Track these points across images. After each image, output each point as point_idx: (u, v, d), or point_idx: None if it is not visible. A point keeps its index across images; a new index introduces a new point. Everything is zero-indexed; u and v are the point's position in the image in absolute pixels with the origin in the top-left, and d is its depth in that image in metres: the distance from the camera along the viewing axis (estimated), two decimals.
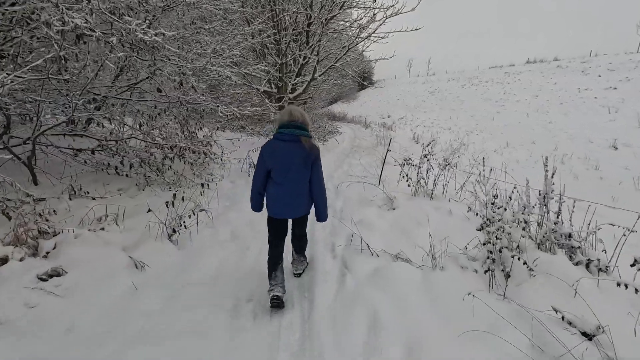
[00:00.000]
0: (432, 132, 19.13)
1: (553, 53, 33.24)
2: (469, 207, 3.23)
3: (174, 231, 2.94)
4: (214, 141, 5.10)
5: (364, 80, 47.46)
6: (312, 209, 2.53)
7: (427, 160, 4.09)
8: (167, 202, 2.95)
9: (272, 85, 9.46)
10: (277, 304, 2.19)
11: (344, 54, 8.10)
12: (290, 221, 2.53)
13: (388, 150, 4.75)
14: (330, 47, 9.14)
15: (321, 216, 2.48)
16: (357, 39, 8.05)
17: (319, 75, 8.51)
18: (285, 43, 8.37)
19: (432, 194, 4.06)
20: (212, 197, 4.34)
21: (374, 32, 7.72)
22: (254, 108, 5.07)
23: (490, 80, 33.76)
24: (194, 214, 3.01)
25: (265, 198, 2.40)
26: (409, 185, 4.19)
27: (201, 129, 5.22)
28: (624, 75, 23.40)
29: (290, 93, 9.54)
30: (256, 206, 2.44)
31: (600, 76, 24.87)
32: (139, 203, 3.87)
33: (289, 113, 2.27)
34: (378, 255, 2.70)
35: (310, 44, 8.87)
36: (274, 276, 2.30)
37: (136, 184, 4.38)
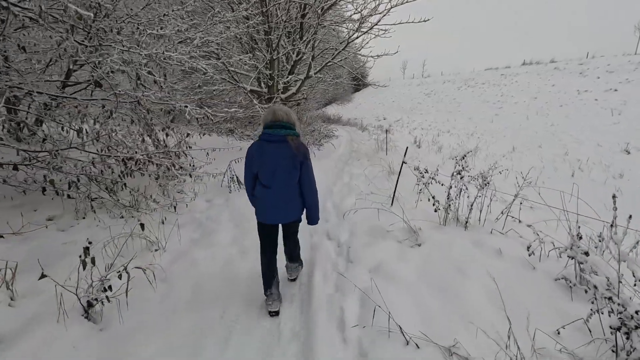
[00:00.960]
0: (432, 135, 18.29)
1: (549, 54, 32.82)
2: (530, 251, 2.26)
3: (90, 304, 1.86)
4: (184, 151, 4.04)
5: (359, 81, 46.75)
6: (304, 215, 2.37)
7: (461, 177, 3.11)
8: (80, 255, 1.85)
9: (262, 84, 8.44)
10: (274, 315, 2.20)
11: (342, 49, 7.12)
12: (280, 227, 2.41)
13: (404, 162, 3.76)
14: (327, 42, 8.16)
15: (313, 219, 2.35)
16: (357, 32, 7.09)
17: (315, 73, 7.53)
18: (277, 36, 7.36)
19: (466, 222, 3.09)
20: (180, 223, 3.29)
21: (377, 23, 6.76)
22: (234, 109, 4.03)
23: (486, 82, 33.25)
24: (126, 272, 1.91)
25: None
26: (435, 211, 3.20)
27: (168, 135, 4.16)
28: (624, 77, 22.97)
29: (282, 93, 8.52)
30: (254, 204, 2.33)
31: (599, 78, 24.44)
32: (71, 239, 2.81)
33: (272, 112, 2.17)
34: (418, 347, 1.69)
35: (304, 38, 7.87)
36: (269, 293, 2.23)
37: (76, 209, 3.31)
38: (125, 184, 3.60)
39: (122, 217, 3.39)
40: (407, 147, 3.74)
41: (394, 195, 3.94)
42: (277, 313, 2.19)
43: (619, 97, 20.67)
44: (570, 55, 31.34)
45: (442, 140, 15.99)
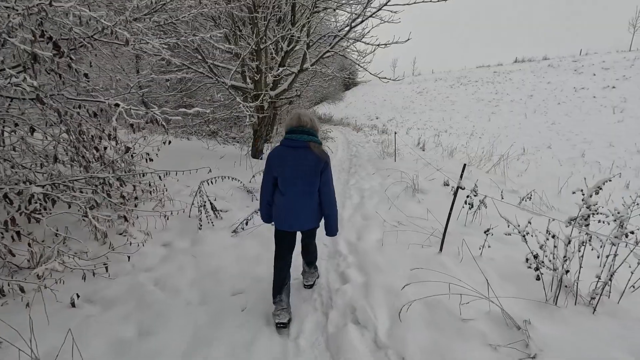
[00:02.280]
0: (431, 135, 17.20)
1: (541, 52, 32.45)
2: None
3: None
4: (120, 177, 2.63)
5: (349, 80, 45.53)
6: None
7: (586, 225, 1.82)
8: None
9: (247, 79, 7.04)
10: (282, 327, 2.03)
11: (345, 34, 5.80)
12: (299, 234, 2.29)
13: (459, 187, 2.45)
14: (324, 28, 6.83)
15: (331, 230, 2.22)
16: (361, 16, 5.79)
17: (311, 65, 6.19)
18: (264, 17, 6.00)
19: (595, 302, 1.80)
20: (106, 299, 1.92)
21: (387, 3, 5.47)
22: (191, 109, 2.64)
23: (479, 80, 32.58)
24: None
25: (272, 209, 2.20)
26: (538, 279, 1.91)
27: (98, 147, 2.75)
28: (621, 73, 22.52)
29: (271, 89, 7.15)
30: (266, 216, 2.25)
31: (595, 75, 23.96)
32: None
33: (297, 118, 2.09)
34: None
35: (298, 23, 6.53)
36: (278, 300, 2.08)
37: None
38: (18, 234, 2.17)
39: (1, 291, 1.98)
40: (464, 165, 2.43)
41: (443, 237, 2.64)
42: (285, 325, 2.03)
43: (618, 94, 20.10)
44: (561, 52, 30.98)
45: (443, 140, 14.89)
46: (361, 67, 6.40)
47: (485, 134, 17.84)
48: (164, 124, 2.26)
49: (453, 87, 33.77)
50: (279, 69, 6.58)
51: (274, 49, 7.86)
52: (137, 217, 3.12)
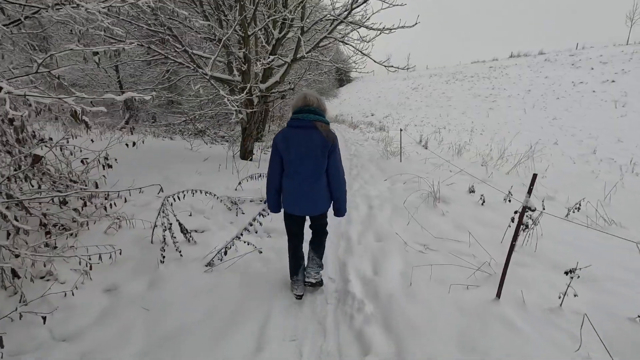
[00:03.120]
0: (430, 132, 16.53)
1: (536, 47, 31.98)
2: None
3: None
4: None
5: (343, 75, 44.67)
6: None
7: None
8: None
9: (235, 71, 6.19)
10: (299, 299, 2.17)
11: (345, 16, 4.98)
12: (307, 218, 2.23)
13: (527, 207, 1.70)
14: (320, 13, 6.01)
15: (340, 210, 2.16)
16: None
17: (307, 53, 5.36)
18: (252, 3, 5.16)
19: None
20: None
21: None
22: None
23: (475, 75, 32.05)
24: None
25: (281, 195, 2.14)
26: None
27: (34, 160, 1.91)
28: (619, 67, 22.14)
29: (261, 82, 6.32)
30: (274, 205, 2.15)
31: (593, 69, 23.56)
32: None
33: (303, 97, 2.03)
34: None
35: (289, 4, 5.71)
36: (295, 279, 2.21)
37: None
38: None
39: None
40: (534, 176, 1.66)
41: (502, 279, 1.86)
42: (301, 297, 2.18)
43: (618, 88, 19.69)
44: (557, 47, 30.59)
45: (444, 137, 14.18)
46: (363, 54, 5.59)
47: (486, 130, 17.22)
48: (86, 119, 1.43)
49: (448, 82, 33.18)
50: (269, 58, 5.74)
51: (264, 36, 7.02)
52: (74, 247, 2.28)
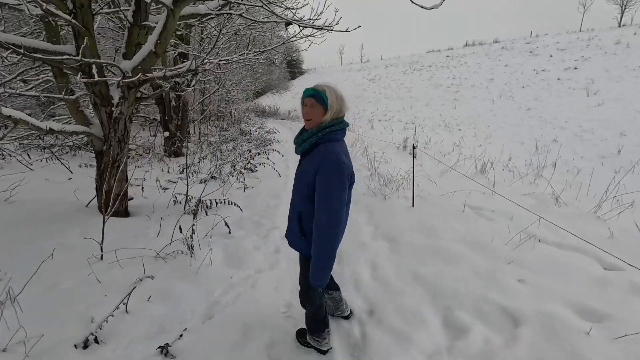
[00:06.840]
0: (401, 129, 13.78)
1: (490, 35, 31.34)
2: None
3: None
4: None
5: (293, 67, 41.04)
6: None
7: None
8: None
9: (60, 37, 2.46)
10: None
11: None
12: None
13: None
14: None
15: (312, 275, 1.42)
16: None
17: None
18: None
19: None
20: None
21: None
22: None
23: (433, 65, 30.51)
24: None
25: None
26: None
27: None
28: (578, 54, 21.57)
29: (124, 56, 2.79)
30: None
31: (552, 56, 22.87)
32: None
33: (342, 97, 1.57)
34: None
35: None
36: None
37: None
38: None
39: None
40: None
41: None
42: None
43: (583, 75, 18.83)
44: (511, 35, 30.11)
45: (420, 136, 11.47)
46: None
47: (462, 125, 15.00)
48: None
49: (406, 73, 31.32)
50: None
51: None
52: None
